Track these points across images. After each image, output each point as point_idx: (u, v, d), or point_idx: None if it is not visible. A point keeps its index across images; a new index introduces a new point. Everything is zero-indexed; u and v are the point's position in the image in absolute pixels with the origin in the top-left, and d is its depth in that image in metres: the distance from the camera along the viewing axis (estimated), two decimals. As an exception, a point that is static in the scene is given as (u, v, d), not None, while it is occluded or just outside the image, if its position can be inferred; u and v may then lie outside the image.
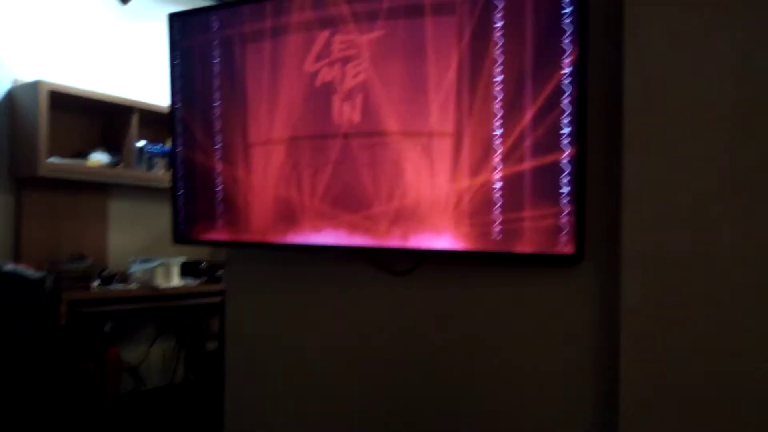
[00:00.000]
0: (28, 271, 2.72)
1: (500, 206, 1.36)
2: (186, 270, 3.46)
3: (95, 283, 3.09)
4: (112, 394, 2.78)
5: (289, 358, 1.79)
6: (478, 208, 1.38)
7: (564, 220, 1.29)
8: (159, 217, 3.67)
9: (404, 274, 1.59)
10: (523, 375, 1.40)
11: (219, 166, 1.74)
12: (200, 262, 3.55)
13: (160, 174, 3.43)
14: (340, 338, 1.70)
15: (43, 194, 3.18)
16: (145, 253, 3.54)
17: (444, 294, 1.52)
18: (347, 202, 1.54)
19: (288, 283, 1.80)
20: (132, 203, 3.58)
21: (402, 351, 1.58)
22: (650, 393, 1.17)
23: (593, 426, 1.30)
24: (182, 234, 1.83)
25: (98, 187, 3.39)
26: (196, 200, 1.79)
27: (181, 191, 1.82)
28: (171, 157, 1.84)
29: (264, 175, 1.66)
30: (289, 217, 1.63)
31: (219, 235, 1.76)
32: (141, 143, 3.36)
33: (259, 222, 1.68)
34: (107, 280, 3.20)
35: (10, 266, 2.68)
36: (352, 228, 1.53)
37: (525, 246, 1.33)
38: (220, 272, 3.53)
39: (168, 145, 3.51)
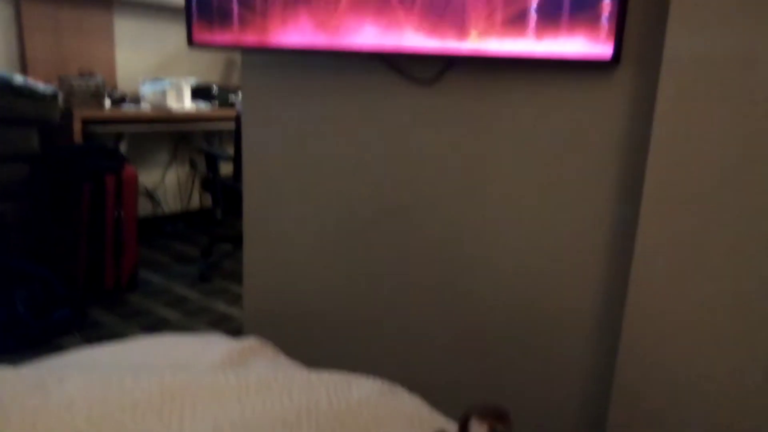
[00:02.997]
0: (39, 85, 2.67)
1: (536, 5, 1.26)
2: (197, 94, 3.40)
3: (107, 103, 3.05)
4: (130, 212, 2.86)
5: (306, 173, 1.80)
6: (512, 8, 1.29)
7: (603, 21, 1.21)
8: (167, 37, 3.53)
9: (429, 83, 1.53)
10: (546, 188, 1.40)
11: (233, -38, 1.62)
12: (211, 86, 3.48)
13: (167, -11, 3.25)
14: (360, 153, 1.69)
15: (44, 7, 3.03)
16: (153, 74, 3.46)
17: (470, 104, 1.48)
18: (369, 3, 1.44)
19: (306, 95, 1.75)
20: (139, 21, 3.42)
21: (424, 165, 1.58)
22: (671, 202, 1.17)
23: (612, 237, 1.32)
24: (196, 36, 1.75)
25: (102, 2, 3.22)
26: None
27: (194, -10, 1.71)
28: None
29: (283, -30, 1.55)
30: (309, 17, 1.54)
31: (234, 37, 1.68)
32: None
33: (277, 24, 1.59)
34: (118, 101, 3.15)
35: (19, 78, 2.62)
36: (375, 31, 1.45)
37: (559, 49, 1.26)
38: (232, 97, 3.47)
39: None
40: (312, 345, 1.88)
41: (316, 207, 1.80)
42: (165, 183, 3.71)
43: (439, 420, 0.85)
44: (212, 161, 3.13)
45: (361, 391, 0.85)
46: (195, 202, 3.90)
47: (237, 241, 3.26)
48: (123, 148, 3.29)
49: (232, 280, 3.09)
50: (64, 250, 2.77)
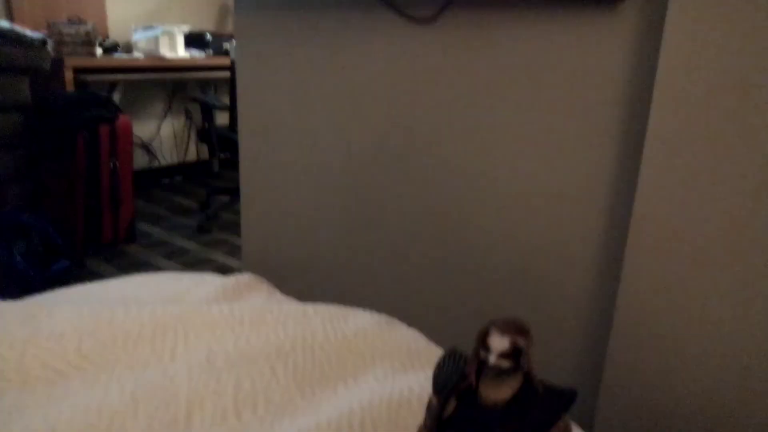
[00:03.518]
0: (26, 30, 2.59)
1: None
2: (191, 42, 3.31)
3: (98, 51, 2.97)
4: (126, 163, 2.82)
5: (303, 119, 1.76)
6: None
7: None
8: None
9: (427, 22, 1.47)
10: (549, 126, 1.36)
11: None
12: (204, 34, 3.39)
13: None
14: (357, 96, 1.64)
15: (29, -51, 2.93)
16: (145, 21, 3.36)
17: (470, 44, 1.43)
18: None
19: (301, 38, 1.69)
20: (127, -35, 3.32)
21: (423, 106, 1.54)
22: (676, 139, 1.14)
23: (615, 173, 1.29)
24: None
25: (89, -55, 3.11)
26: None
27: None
28: None
29: None
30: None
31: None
32: None
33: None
34: (110, 49, 3.08)
35: (5, 24, 2.54)
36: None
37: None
38: (226, 45, 3.39)
39: None
40: (311, 292, 1.87)
41: (313, 153, 1.77)
42: (161, 135, 3.66)
43: (438, 351, 0.84)
44: (207, 111, 3.07)
45: (358, 322, 0.83)
46: (192, 154, 3.85)
47: (235, 192, 3.23)
48: (117, 98, 3.23)
49: (231, 231, 3.08)
50: (60, 202, 2.75)
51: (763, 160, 1.04)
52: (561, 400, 0.45)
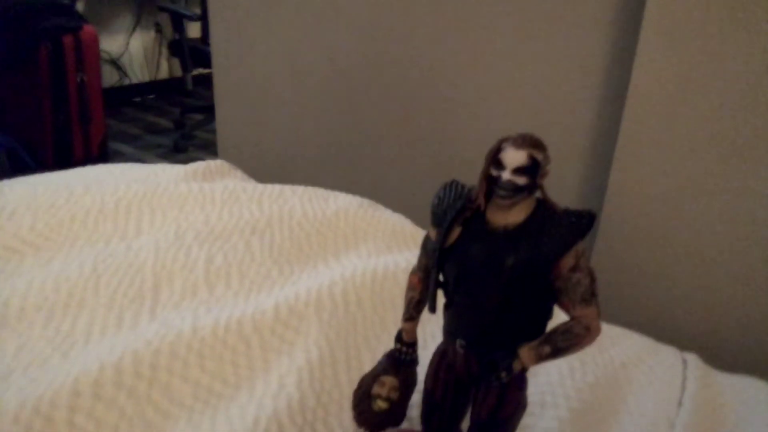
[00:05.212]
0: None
1: None
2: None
3: (56, -45, 2.75)
4: (94, 77, 2.67)
5: (280, 25, 1.64)
6: None
7: None
8: None
9: None
10: (541, 31, 1.27)
11: None
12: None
13: None
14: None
15: None
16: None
17: None
18: None
19: None
20: None
21: (410, 9, 1.44)
22: (670, 37, 1.06)
23: (607, 74, 1.22)
24: None
25: None
26: None
27: None
28: None
29: None
30: None
31: None
32: None
33: None
34: (69, -47, 2.86)
35: None
36: None
37: None
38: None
39: None
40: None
41: (293, 65, 1.65)
42: (129, 50, 3.47)
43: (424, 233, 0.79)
44: (178, 21, 2.90)
45: (339, 203, 0.78)
46: (164, 71, 3.68)
47: (210, 111, 3.10)
48: (80, 8, 3.03)
49: (207, 150, 2.98)
50: (27, 119, 2.62)
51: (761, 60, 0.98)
52: (578, 224, 0.40)
